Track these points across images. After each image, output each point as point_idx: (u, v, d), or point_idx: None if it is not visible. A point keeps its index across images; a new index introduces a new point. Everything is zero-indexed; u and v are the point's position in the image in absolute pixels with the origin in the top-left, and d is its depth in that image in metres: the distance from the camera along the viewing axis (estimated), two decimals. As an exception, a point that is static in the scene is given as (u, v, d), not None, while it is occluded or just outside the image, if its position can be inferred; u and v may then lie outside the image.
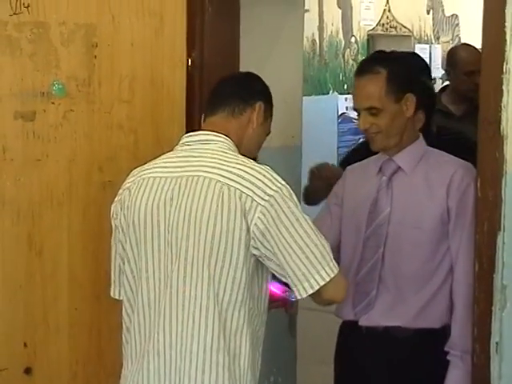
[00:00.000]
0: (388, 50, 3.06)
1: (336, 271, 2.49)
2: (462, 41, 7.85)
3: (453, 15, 7.83)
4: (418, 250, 2.84)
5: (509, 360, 2.62)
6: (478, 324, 2.68)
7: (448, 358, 2.85)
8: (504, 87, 2.55)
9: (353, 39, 6.82)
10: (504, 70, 2.55)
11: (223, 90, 2.76)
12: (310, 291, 2.47)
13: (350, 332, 2.96)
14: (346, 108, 5.99)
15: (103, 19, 3.01)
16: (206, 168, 2.55)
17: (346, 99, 5.99)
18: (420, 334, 2.86)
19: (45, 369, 2.90)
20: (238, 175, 2.51)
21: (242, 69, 3.24)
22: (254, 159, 2.73)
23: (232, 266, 2.46)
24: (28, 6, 2.87)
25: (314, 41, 6.32)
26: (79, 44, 2.99)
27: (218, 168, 2.54)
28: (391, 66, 2.86)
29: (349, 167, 3.12)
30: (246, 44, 3.39)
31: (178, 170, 2.59)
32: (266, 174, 2.51)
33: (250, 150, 2.76)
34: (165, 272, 2.53)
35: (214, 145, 2.61)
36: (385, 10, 7.09)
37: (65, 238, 2.91)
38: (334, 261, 2.51)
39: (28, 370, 2.96)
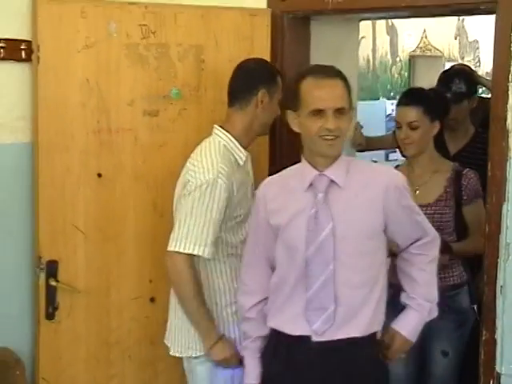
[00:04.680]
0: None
1: (175, 249, 2.63)
2: (482, 60, 7.91)
3: (474, 40, 7.81)
4: (365, 258, 2.48)
5: (510, 299, 2.76)
6: (487, 272, 2.81)
7: (407, 302, 2.60)
8: (510, 92, 2.70)
9: (398, 59, 6.86)
10: (509, 80, 2.71)
11: (232, 85, 2.82)
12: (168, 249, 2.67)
13: (298, 346, 2.51)
14: (392, 110, 6.11)
15: (209, 41, 3.15)
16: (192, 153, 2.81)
17: (392, 104, 6.09)
18: (365, 339, 2.50)
19: (164, 299, 2.95)
20: (194, 160, 2.74)
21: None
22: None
23: None
24: (154, 32, 3.07)
25: (368, 60, 6.36)
26: (191, 60, 3.13)
27: (194, 154, 2.77)
28: (343, 78, 2.49)
29: (264, 183, 2.64)
30: (315, 59, 3.48)
31: None
32: (205, 164, 2.68)
33: (260, 130, 2.83)
34: None
35: (211, 137, 2.81)
36: (422, 37, 7.10)
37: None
38: (188, 245, 2.62)
39: (153, 299, 3.19)
